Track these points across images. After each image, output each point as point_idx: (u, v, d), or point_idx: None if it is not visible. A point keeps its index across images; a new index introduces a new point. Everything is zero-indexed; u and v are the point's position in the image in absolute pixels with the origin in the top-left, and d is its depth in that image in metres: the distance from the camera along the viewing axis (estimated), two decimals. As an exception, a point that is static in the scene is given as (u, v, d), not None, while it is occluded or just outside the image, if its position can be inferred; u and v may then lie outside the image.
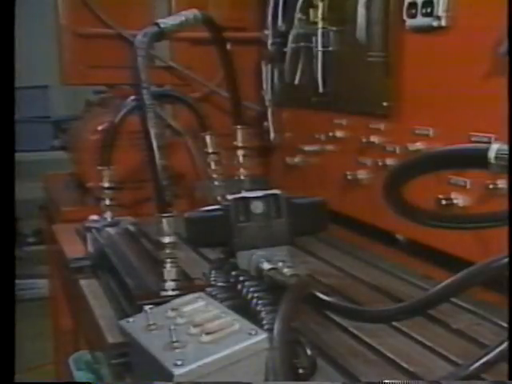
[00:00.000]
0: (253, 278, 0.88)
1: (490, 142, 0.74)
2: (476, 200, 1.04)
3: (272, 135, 1.70)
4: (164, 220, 0.97)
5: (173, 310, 0.80)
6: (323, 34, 1.44)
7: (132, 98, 1.27)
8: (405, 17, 1.17)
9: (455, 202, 1.07)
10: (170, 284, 0.99)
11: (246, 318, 0.78)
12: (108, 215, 1.39)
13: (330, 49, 1.43)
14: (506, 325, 0.89)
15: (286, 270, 0.86)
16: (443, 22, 1.09)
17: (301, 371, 0.77)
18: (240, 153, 1.32)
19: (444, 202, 1.07)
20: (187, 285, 1.02)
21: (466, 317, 0.98)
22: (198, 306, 0.81)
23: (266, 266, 0.87)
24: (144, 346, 0.74)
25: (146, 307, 0.79)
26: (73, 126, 2.00)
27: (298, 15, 1.50)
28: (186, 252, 1.19)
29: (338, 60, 1.42)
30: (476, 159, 0.70)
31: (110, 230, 1.34)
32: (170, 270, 0.99)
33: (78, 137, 1.80)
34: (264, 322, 0.80)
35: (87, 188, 1.69)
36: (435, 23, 1.10)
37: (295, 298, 0.80)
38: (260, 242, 0.91)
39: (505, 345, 0.63)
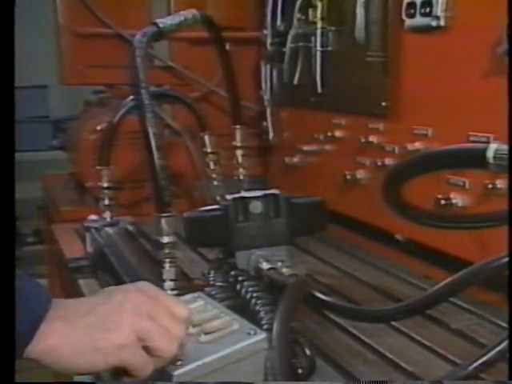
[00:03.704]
0: (252, 277, 0.88)
1: (488, 142, 0.74)
2: (475, 200, 1.05)
3: (271, 135, 1.70)
4: (163, 220, 0.97)
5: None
6: (322, 34, 1.44)
7: (131, 97, 1.27)
8: (404, 17, 1.17)
9: (454, 201, 1.07)
10: (168, 284, 0.99)
11: (245, 318, 0.78)
12: (107, 215, 1.39)
13: (329, 49, 1.43)
14: (504, 324, 0.90)
15: (284, 270, 0.86)
16: (442, 22, 1.09)
17: (300, 371, 0.77)
18: (239, 153, 1.32)
19: (443, 201, 1.07)
20: (186, 285, 1.02)
21: (465, 317, 0.98)
22: (196, 306, 0.81)
23: (265, 265, 0.87)
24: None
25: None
26: (72, 125, 2.00)
27: (297, 15, 1.50)
28: (185, 252, 1.19)
29: (336, 60, 1.42)
30: (474, 159, 0.70)
31: (109, 229, 1.35)
32: (168, 270, 0.99)
33: (76, 136, 1.80)
34: (263, 321, 0.80)
35: (86, 188, 1.69)
36: (434, 23, 1.10)
37: (294, 297, 0.80)
38: (259, 242, 0.91)
39: (504, 344, 0.63)
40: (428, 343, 0.89)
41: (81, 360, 0.65)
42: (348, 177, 1.35)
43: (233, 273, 0.90)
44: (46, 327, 0.65)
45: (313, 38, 1.46)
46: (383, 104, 1.27)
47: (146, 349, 0.67)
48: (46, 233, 2.09)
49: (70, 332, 0.65)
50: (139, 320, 0.67)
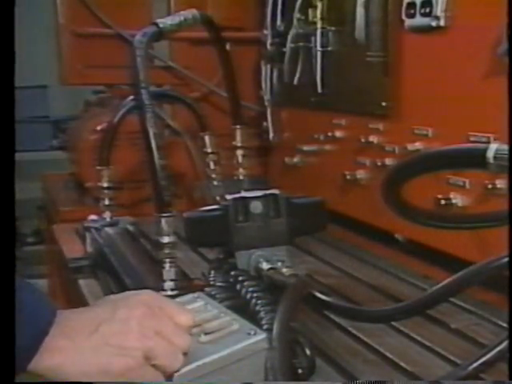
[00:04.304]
0: (252, 277, 0.88)
1: (488, 142, 0.74)
2: (475, 200, 1.05)
3: (271, 135, 1.70)
4: (163, 220, 0.97)
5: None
6: (322, 34, 1.44)
7: (131, 97, 1.27)
8: (403, 17, 1.17)
9: (454, 201, 1.07)
10: (168, 284, 0.99)
11: (245, 318, 0.78)
12: (107, 215, 1.39)
13: (329, 49, 1.43)
14: (504, 325, 0.90)
15: (284, 270, 0.86)
16: (442, 22, 1.09)
17: (300, 371, 0.77)
18: (239, 153, 1.32)
19: (443, 201, 1.07)
20: (186, 285, 1.02)
21: (465, 317, 0.98)
22: (196, 306, 0.81)
23: (265, 265, 0.87)
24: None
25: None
26: (72, 125, 2.00)
27: (296, 15, 1.50)
28: (185, 252, 1.19)
29: (336, 60, 1.42)
30: (475, 159, 0.70)
31: (109, 229, 1.35)
32: (168, 270, 0.99)
33: (76, 137, 1.80)
34: (263, 321, 0.80)
35: (86, 188, 1.69)
36: (434, 23, 1.10)
37: (294, 297, 0.80)
38: (259, 242, 0.91)
39: (504, 344, 0.63)
40: (428, 343, 0.89)
41: (87, 379, 0.65)
42: (348, 177, 1.35)
43: (233, 273, 0.90)
44: (50, 344, 0.64)
45: (313, 38, 1.46)
46: (383, 104, 1.27)
47: (153, 365, 0.67)
48: (46, 233, 2.10)
49: (75, 352, 0.65)
50: (145, 340, 0.67)
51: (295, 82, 1.55)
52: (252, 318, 0.80)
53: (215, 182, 1.41)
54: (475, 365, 0.63)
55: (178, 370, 0.68)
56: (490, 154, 0.67)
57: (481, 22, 1.01)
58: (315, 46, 1.45)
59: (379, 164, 1.26)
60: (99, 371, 0.65)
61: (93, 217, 1.40)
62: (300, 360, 0.77)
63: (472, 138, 1.02)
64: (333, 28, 1.42)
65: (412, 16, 1.15)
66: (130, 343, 0.66)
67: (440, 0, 1.08)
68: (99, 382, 0.66)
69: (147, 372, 0.66)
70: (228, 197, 0.91)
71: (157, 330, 0.68)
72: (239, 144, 1.31)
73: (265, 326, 0.79)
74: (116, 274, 1.13)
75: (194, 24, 1.11)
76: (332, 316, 0.95)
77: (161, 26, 1.05)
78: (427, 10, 1.11)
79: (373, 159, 1.29)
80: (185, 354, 0.69)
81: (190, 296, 0.85)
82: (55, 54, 1.83)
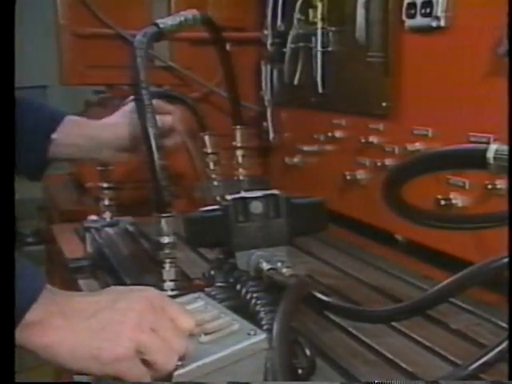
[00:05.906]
0: (252, 278, 0.88)
1: (488, 143, 0.74)
2: (475, 200, 1.05)
3: (271, 135, 1.70)
4: (163, 220, 0.97)
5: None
6: (322, 34, 1.44)
7: (131, 98, 1.27)
8: (404, 17, 1.17)
9: (454, 202, 1.07)
10: (169, 284, 0.99)
11: (245, 318, 0.78)
12: (107, 215, 1.39)
13: (330, 49, 1.43)
14: (504, 325, 0.90)
15: (285, 270, 0.86)
16: (442, 23, 1.09)
17: (300, 371, 0.77)
18: (239, 153, 1.32)
19: (443, 202, 1.07)
20: (186, 285, 1.02)
21: (465, 317, 0.98)
22: (197, 307, 0.81)
23: (265, 266, 0.87)
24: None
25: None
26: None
27: (297, 15, 1.50)
28: (185, 252, 1.19)
29: (337, 60, 1.42)
30: (475, 159, 0.70)
31: (109, 230, 1.35)
32: (169, 271, 0.99)
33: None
34: (263, 322, 0.80)
35: (86, 188, 1.69)
36: (434, 23, 1.10)
37: (294, 298, 0.80)
38: (259, 242, 0.90)
39: (504, 345, 0.63)
40: (428, 344, 0.89)
41: (75, 363, 0.65)
42: (348, 177, 1.35)
43: (233, 273, 0.90)
44: (46, 321, 0.64)
45: (313, 39, 1.46)
46: (383, 104, 1.27)
47: (144, 361, 0.67)
48: (45, 233, 2.09)
49: (69, 333, 0.65)
50: (139, 333, 0.66)
51: (295, 82, 1.55)
52: (252, 318, 0.80)
53: (215, 182, 1.41)
54: (475, 365, 0.63)
55: (172, 373, 0.68)
56: (490, 155, 0.67)
57: (481, 23, 1.01)
58: (315, 47, 1.45)
59: (379, 164, 1.26)
60: (89, 356, 0.65)
61: (93, 217, 1.40)
62: (300, 360, 0.77)
63: (472, 138, 1.02)
64: (333, 28, 1.42)
65: (412, 16, 1.15)
66: (124, 333, 0.66)
67: (440, 0, 1.09)
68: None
69: (136, 366, 0.66)
70: (228, 197, 0.91)
71: (154, 327, 0.68)
72: (239, 144, 1.31)
73: (265, 327, 0.79)
74: (116, 274, 1.13)
75: (194, 24, 1.11)
76: (332, 316, 0.95)
77: (161, 26, 1.05)
78: (428, 10, 1.11)
79: (373, 159, 1.29)
80: (181, 357, 0.69)
81: (190, 296, 0.85)
82: (55, 54, 1.83)
